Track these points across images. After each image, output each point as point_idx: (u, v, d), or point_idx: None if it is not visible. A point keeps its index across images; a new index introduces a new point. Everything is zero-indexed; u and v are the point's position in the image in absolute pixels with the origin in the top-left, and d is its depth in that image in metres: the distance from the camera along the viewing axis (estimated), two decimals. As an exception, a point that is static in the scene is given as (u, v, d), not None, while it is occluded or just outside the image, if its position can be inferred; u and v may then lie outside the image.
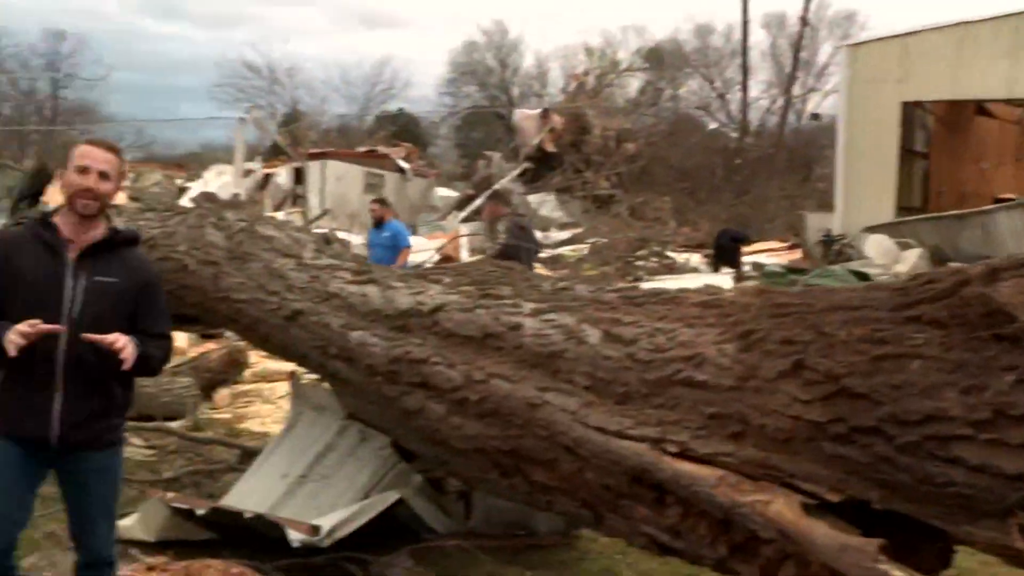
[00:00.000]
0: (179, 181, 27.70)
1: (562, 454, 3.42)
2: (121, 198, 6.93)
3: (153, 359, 3.36)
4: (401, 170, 28.32)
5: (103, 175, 3.24)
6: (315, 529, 4.32)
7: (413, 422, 4.25)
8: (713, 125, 42.65)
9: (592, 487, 3.36)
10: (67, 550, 4.18)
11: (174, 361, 9.59)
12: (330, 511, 4.88)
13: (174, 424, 7.34)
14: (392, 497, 4.77)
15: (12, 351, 3.03)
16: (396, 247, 10.47)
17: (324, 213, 19.46)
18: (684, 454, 2.85)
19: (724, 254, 17.75)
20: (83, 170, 3.22)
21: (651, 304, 3.42)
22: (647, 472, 2.96)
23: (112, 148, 3.38)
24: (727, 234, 18.65)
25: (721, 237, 18.49)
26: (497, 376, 3.74)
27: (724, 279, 14.87)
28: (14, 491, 3.28)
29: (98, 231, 3.32)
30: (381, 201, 11.51)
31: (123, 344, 3.15)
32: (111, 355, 3.17)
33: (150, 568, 4.31)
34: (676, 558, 3.22)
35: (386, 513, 4.76)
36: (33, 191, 9.08)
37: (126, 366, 3.16)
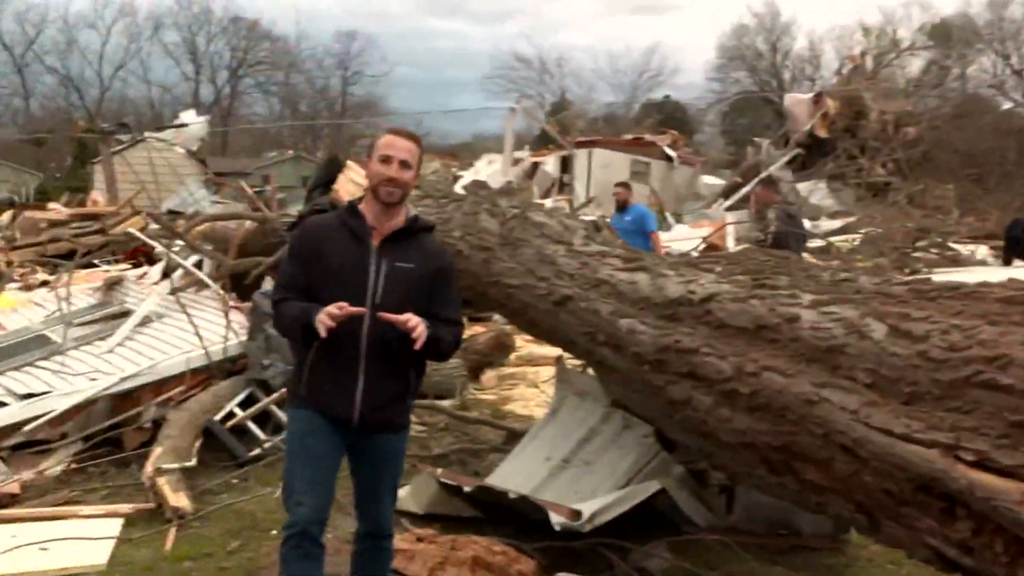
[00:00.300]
0: (453, 170, 28.85)
1: (839, 454, 3.23)
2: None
3: (443, 342, 3.42)
4: (668, 158, 28.07)
5: (404, 164, 3.36)
6: (577, 514, 4.35)
7: (679, 413, 4.18)
8: (1007, 105, 39.22)
9: (870, 491, 3.16)
10: (347, 515, 4.44)
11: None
12: (590, 496, 4.91)
13: (444, 403, 7.65)
14: (653, 487, 4.72)
15: (322, 332, 3.17)
16: (641, 231, 10.25)
17: (589, 201, 19.58)
18: (982, 464, 2.59)
19: (1017, 246, 16.22)
20: (386, 160, 3.35)
21: (945, 298, 3.15)
22: (937, 480, 2.73)
23: (412, 137, 3.47)
24: (1021, 224, 17.01)
25: (1013, 228, 16.84)
26: (771, 369, 3.60)
27: (1019, 273, 13.59)
28: (328, 461, 3.42)
29: (399, 218, 3.44)
30: (625, 184, 11.32)
31: (415, 323, 3.23)
32: (407, 336, 3.25)
33: (419, 539, 4.50)
34: None
35: (646, 502, 4.72)
36: (325, 180, 9.72)
37: (417, 345, 3.24)
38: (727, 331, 3.93)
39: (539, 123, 32.05)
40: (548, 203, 14.81)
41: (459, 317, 3.57)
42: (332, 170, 9.63)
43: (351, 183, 8.80)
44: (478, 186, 7.26)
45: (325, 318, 3.18)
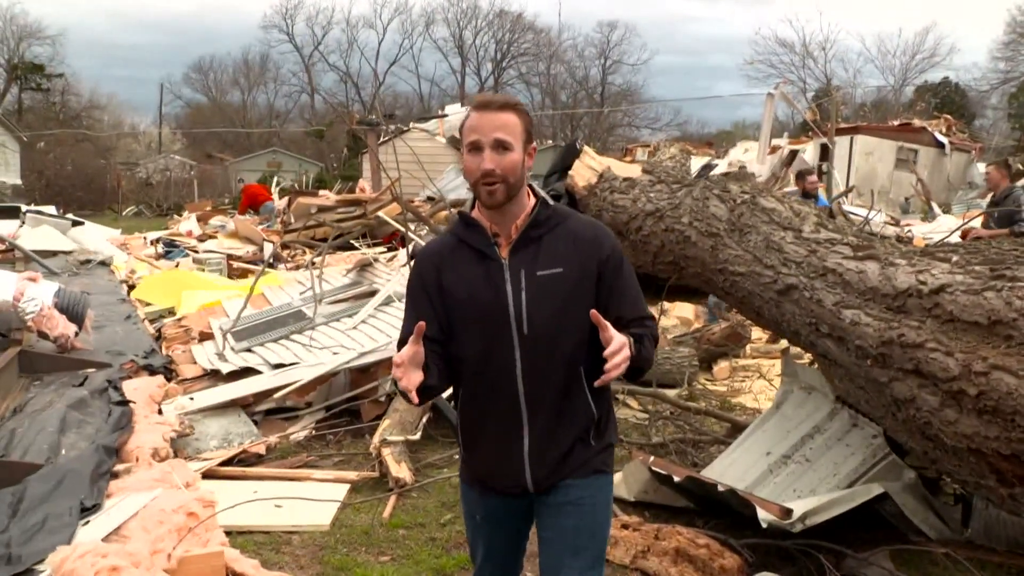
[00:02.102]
0: (706, 158, 28.29)
1: (1077, 468, 2.89)
2: (635, 170, 7.19)
3: (645, 357, 2.54)
4: (939, 144, 26.21)
5: (500, 145, 2.48)
6: (787, 512, 4.14)
7: (902, 412, 3.88)
8: None
9: (1115, 512, 2.80)
10: None
11: (679, 331, 9.87)
12: (809, 495, 4.67)
13: (670, 392, 7.52)
14: (875, 490, 4.41)
15: (412, 397, 2.37)
16: None
17: (849, 189, 18.65)
18: None
19: None
20: (474, 147, 2.50)
21: None
22: None
23: (506, 105, 2.54)
24: None
25: None
26: (1002, 368, 3.27)
27: None
28: (508, 554, 2.85)
29: (523, 213, 2.58)
30: (805, 174, 11.27)
31: (619, 356, 2.35)
32: (577, 360, 2.57)
33: (624, 525, 4.45)
34: None
35: (868, 507, 4.42)
36: (562, 166, 9.76)
37: (609, 376, 2.37)
38: (957, 325, 3.61)
39: (799, 109, 30.78)
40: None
41: (647, 310, 2.67)
42: (569, 157, 9.67)
43: (587, 169, 8.83)
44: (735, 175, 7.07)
45: (395, 373, 2.37)
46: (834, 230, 5.19)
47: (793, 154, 26.96)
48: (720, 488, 4.45)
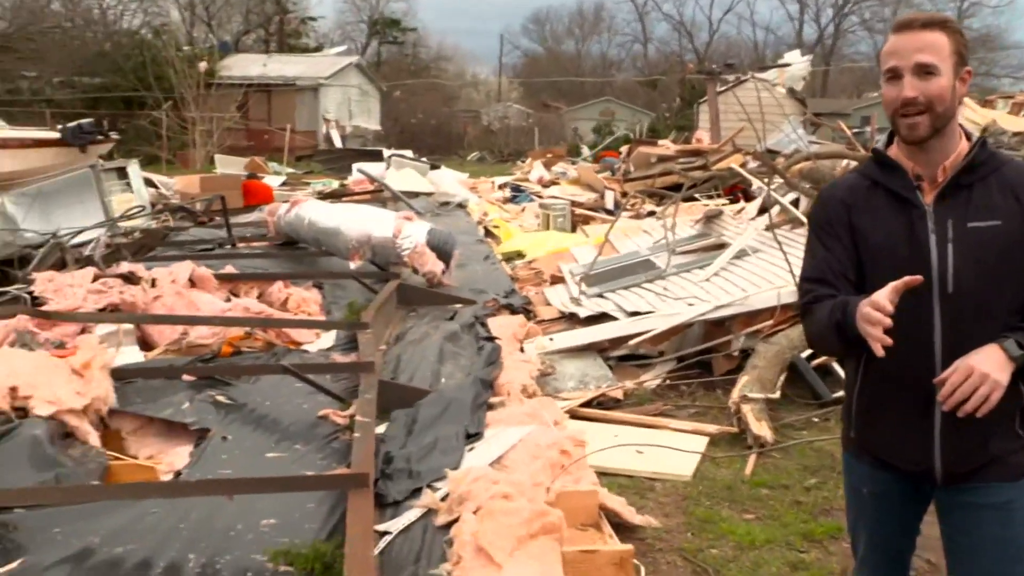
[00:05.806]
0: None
1: None
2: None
3: None
4: None
5: (923, 69, 2.16)
6: None
7: None
8: None
9: None
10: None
11: None
12: None
13: None
14: None
15: (878, 349, 2.02)
16: None
17: None
18: None
19: None
20: (892, 75, 2.19)
21: None
22: None
23: (930, 23, 2.19)
24: None
25: None
26: None
27: None
28: (896, 544, 2.52)
29: (957, 153, 2.25)
30: None
31: (982, 390, 2.05)
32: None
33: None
34: None
35: None
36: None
37: (980, 412, 2.07)
38: None
39: None
40: None
41: None
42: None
43: (967, 122, 8.16)
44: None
45: (873, 315, 2.02)
46: None
47: None
48: None
